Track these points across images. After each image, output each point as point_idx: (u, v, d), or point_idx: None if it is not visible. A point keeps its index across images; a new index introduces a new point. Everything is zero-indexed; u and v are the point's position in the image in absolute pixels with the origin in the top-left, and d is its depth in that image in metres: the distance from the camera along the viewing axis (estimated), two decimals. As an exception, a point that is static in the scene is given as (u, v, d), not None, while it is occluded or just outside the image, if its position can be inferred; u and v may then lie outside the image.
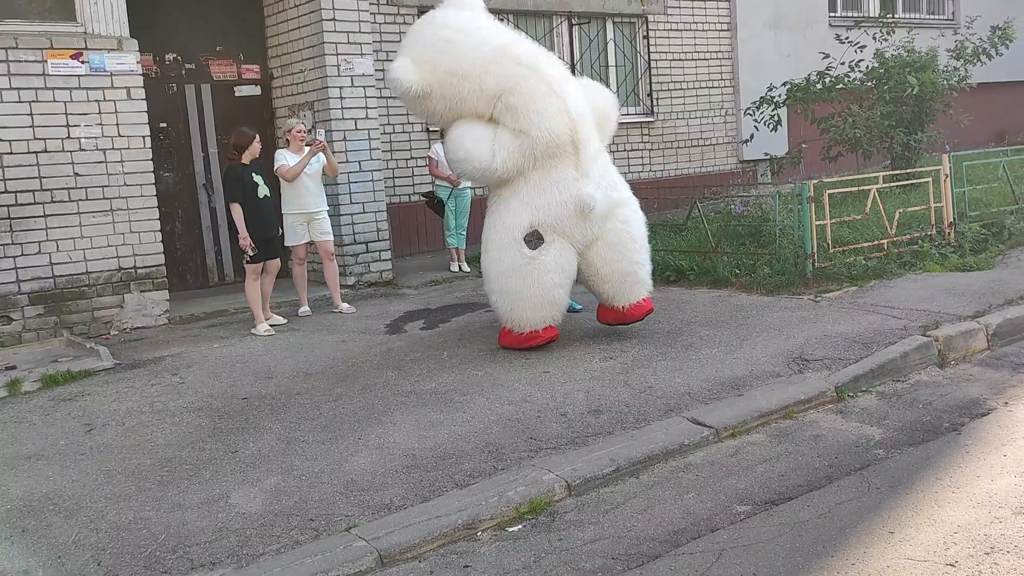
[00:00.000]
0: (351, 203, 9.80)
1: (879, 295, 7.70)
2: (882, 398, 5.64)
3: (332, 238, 8.66)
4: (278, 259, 8.27)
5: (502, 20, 12.17)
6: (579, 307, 7.63)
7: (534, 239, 6.44)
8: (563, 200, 6.39)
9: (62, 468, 5.00)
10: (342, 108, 9.73)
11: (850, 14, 15.92)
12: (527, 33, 12.40)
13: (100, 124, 8.20)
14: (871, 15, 15.86)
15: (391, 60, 10.85)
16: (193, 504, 4.43)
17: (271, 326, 8.04)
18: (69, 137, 8.06)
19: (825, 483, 4.44)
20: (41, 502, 4.55)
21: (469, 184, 10.58)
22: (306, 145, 8.38)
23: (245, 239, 7.87)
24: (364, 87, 9.87)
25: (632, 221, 6.76)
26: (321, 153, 8.34)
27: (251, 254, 7.95)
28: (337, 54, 9.66)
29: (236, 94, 10.37)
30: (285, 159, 8.21)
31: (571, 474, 4.55)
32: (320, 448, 5.06)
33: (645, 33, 13.73)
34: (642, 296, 6.82)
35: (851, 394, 5.66)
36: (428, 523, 4.10)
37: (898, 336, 6.42)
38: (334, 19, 9.60)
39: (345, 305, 8.72)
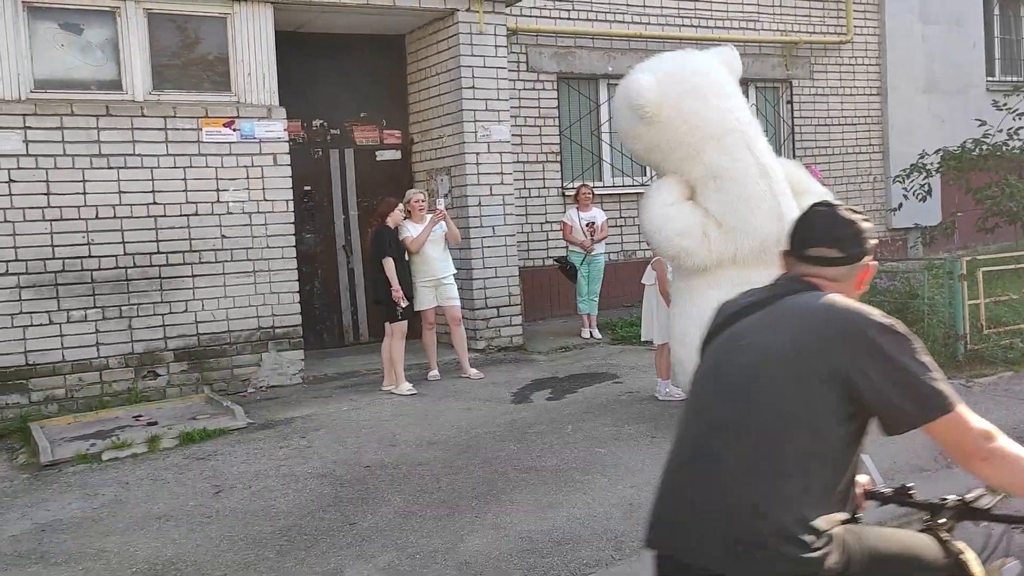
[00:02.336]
0: (484, 267, 9.86)
1: (1040, 383, 7.13)
2: (1042, 502, 5.15)
3: (459, 303, 8.73)
4: (406, 322, 8.39)
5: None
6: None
7: None
8: None
9: (188, 531, 5.11)
10: (478, 174, 9.85)
11: (1009, 79, 15.12)
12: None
13: (247, 188, 8.56)
14: (1034, 79, 15.05)
15: (530, 125, 11.27)
16: (308, 578, 4.43)
17: (392, 392, 8.15)
18: (218, 201, 8.44)
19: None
20: (165, 567, 4.64)
21: (602, 250, 10.52)
22: (427, 214, 8.51)
23: (398, 291, 8.11)
24: (500, 153, 9.97)
25: None
26: (442, 220, 8.45)
27: (403, 306, 8.17)
28: (475, 121, 9.81)
29: (377, 159, 10.68)
30: (408, 230, 8.37)
31: (693, 571, 4.31)
32: (436, 524, 5.00)
33: (789, 98, 13.43)
34: None
35: (1005, 494, 5.18)
36: (540, 616, 3.96)
37: (1061, 431, 5.89)
38: (473, 87, 9.77)
39: (474, 371, 8.72)
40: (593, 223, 10.35)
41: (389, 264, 8.14)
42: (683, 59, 6.60)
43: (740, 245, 6.13)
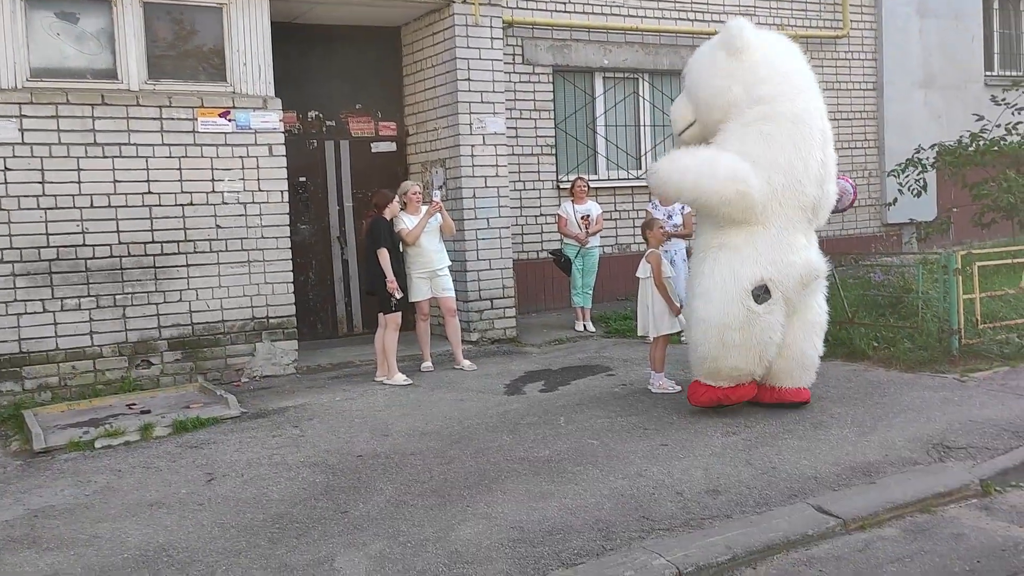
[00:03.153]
0: (478, 259, 9.86)
1: (1033, 377, 7.15)
2: (1033, 495, 5.18)
3: (454, 294, 8.74)
4: (400, 313, 8.40)
5: (635, 79, 12.23)
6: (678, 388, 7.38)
7: (762, 293, 6.27)
8: (793, 262, 6.30)
9: (180, 518, 5.12)
10: (473, 166, 9.84)
11: (1008, 73, 15.12)
12: (664, 94, 12.40)
13: (243, 179, 8.55)
14: (1032, 74, 15.05)
15: (525, 118, 11.28)
16: (299, 565, 4.43)
17: (385, 382, 8.18)
18: (213, 191, 8.44)
19: (964, 590, 4.08)
20: (156, 553, 4.65)
21: (597, 243, 10.52)
22: (423, 205, 8.52)
23: (393, 282, 8.14)
24: (495, 145, 9.96)
25: (824, 309, 6.69)
26: (438, 212, 8.46)
27: (398, 297, 8.19)
28: (470, 113, 9.80)
29: (372, 150, 10.67)
30: (404, 222, 8.38)
31: (683, 560, 4.32)
32: (428, 514, 5.01)
33: (785, 92, 13.41)
34: (805, 383, 6.64)
35: (998, 489, 5.20)
36: (530, 604, 3.97)
37: (1053, 425, 5.92)
38: (469, 79, 9.76)
39: (467, 362, 8.73)
40: (588, 216, 10.35)
41: (384, 256, 8.14)
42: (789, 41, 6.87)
43: (785, 198, 6.22)
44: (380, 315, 8.35)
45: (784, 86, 6.32)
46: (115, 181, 8.04)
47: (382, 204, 8.34)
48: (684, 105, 6.80)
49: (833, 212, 7.05)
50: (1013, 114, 11.87)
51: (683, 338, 7.32)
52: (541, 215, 11.55)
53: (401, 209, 8.46)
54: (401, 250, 8.42)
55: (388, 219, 8.33)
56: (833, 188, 6.62)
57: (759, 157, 6.23)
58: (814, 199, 6.35)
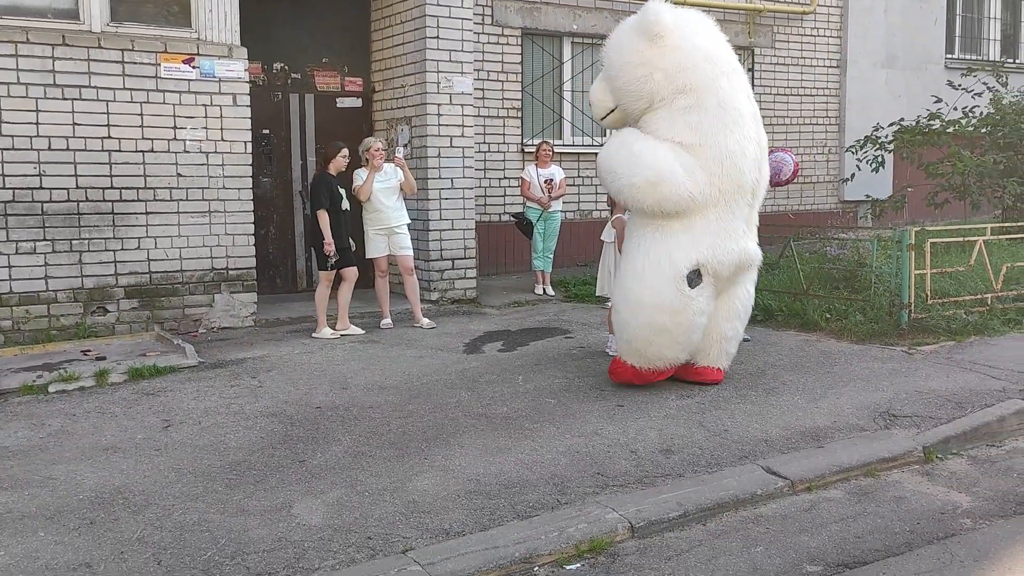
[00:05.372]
0: (440, 219, 9.86)
1: (978, 352, 7.35)
2: (973, 463, 5.36)
3: (411, 253, 8.76)
4: (355, 268, 8.40)
5: (604, 45, 12.19)
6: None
7: (695, 278, 6.17)
8: (731, 249, 6.20)
9: (136, 462, 5.11)
10: (439, 125, 9.80)
11: (968, 56, 15.36)
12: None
13: (205, 128, 8.44)
14: (991, 58, 15.28)
15: (492, 80, 11.24)
16: (256, 511, 4.46)
17: (344, 335, 8.25)
18: (175, 139, 8.32)
19: (904, 550, 4.22)
20: (112, 495, 4.65)
21: (559, 208, 10.56)
22: (387, 163, 8.51)
23: (330, 245, 8.11)
24: (462, 105, 9.93)
25: (751, 296, 6.64)
26: (400, 169, 8.48)
27: (334, 260, 8.19)
28: (438, 72, 9.75)
29: (338, 105, 10.57)
30: (359, 179, 8.37)
31: (636, 515, 4.43)
32: (386, 465, 5.06)
33: (750, 66, 13.50)
34: (720, 365, 6.56)
35: (940, 456, 5.38)
36: (485, 553, 4.04)
37: (996, 398, 6.10)
38: (437, 37, 9.70)
39: (426, 320, 8.76)
40: (551, 180, 10.38)
41: (323, 217, 8.12)
42: (689, 13, 6.55)
43: (725, 185, 6.08)
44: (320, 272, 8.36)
45: (707, 71, 6.12)
46: (74, 124, 7.90)
47: (329, 157, 8.30)
48: (603, 90, 6.44)
49: (771, 186, 7.00)
50: (973, 98, 12.07)
51: (609, 304, 7.10)
52: (505, 178, 11.55)
53: (363, 165, 8.43)
54: (356, 206, 8.38)
55: (333, 174, 8.26)
56: (767, 168, 6.49)
57: (693, 147, 6.06)
58: (753, 182, 6.26)
